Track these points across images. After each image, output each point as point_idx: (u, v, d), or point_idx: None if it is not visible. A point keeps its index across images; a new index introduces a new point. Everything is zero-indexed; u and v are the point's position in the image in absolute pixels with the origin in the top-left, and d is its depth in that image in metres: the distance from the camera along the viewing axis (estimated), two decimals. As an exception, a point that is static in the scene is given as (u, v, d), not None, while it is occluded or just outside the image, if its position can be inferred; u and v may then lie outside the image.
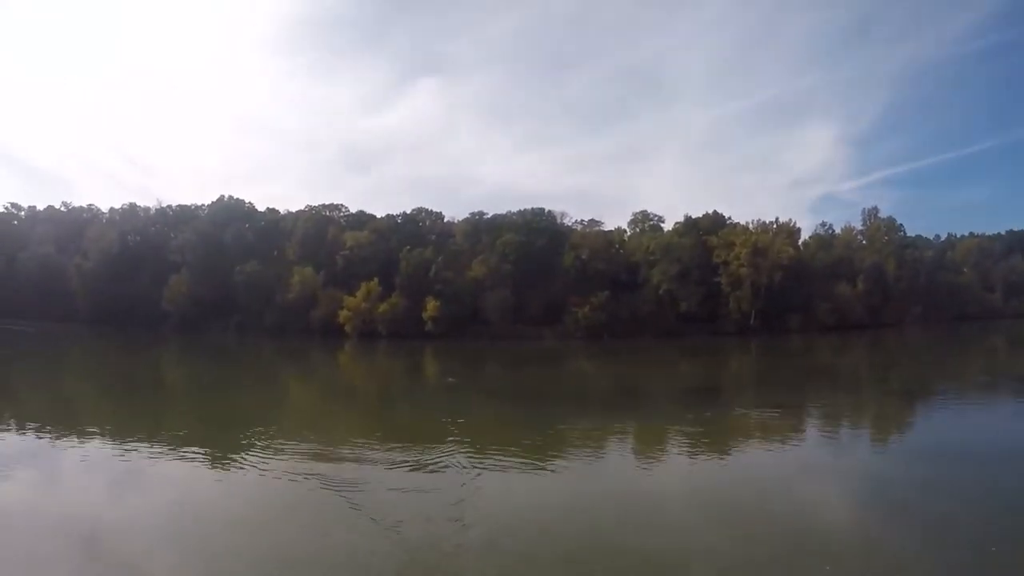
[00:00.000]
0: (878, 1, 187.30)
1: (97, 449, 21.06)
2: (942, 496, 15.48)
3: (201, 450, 20.56)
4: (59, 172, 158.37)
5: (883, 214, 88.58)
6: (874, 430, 26.25)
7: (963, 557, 11.80)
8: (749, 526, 13.63)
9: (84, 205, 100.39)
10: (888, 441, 24.09)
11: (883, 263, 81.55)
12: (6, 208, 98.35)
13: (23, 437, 23.09)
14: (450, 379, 43.56)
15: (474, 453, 19.85)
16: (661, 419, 27.07)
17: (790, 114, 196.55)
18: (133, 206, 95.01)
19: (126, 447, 20.92)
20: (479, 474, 17.58)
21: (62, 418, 26.41)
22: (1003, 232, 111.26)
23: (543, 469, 18.75)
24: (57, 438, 22.56)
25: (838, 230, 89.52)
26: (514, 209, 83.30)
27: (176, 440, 21.74)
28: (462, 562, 11.70)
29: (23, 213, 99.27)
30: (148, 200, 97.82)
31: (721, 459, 20.71)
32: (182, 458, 19.63)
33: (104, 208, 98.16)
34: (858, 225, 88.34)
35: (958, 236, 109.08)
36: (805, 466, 19.64)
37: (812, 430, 25.86)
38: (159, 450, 20.50)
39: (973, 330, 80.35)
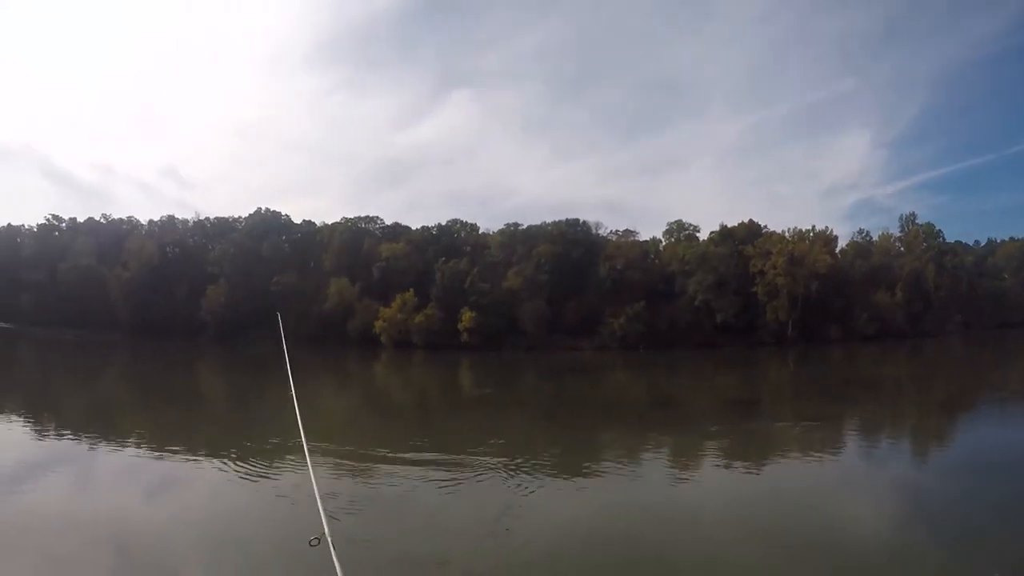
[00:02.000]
0: (905, 3, 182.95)
1: (132, 456, 21.62)
2: (977, 510, 15.41)
3: (236, 459, 20.61)
4: (98, 184, 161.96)
5: (921, 219, 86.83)
6: (914, 443, 25.88)
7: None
8: (788, 541, 13.69)
9: (123, 217, 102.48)
10: (928, 454, 23.71)
11: (922, 270, 79.77)
12: (47, 220, 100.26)
13: (61, 442, 23.82)
14: (486, 390, 43.75)
15: (512, 465, 19.82)
16: (699, 432, 26.68)
17: (824, 119, 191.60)
18: (171, 218, 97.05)
19: (162, 454, 21.52)
20: (519, 486, 17.64)
21: (99, 424, 27.00)
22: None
23: (583, 481, 18.98)
24: (94, 444, 23.13)
25: (875, 237, 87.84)
26: (548, 220, 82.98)
27: (212, 448, 22.04)
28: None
29: (64, 225, 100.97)
30: (185, 212, 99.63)
31: (759, 472, 20.66)
32: (218, 466, 19.86)
33: (143, 220, 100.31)
34: (896, 231, 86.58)
35: (998, 240, 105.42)
36: (845, 480, 19.49)
37: (852, 442, 25.60)
38: (195, 457, 20.99)
39: (1018, 338, 77.91)
